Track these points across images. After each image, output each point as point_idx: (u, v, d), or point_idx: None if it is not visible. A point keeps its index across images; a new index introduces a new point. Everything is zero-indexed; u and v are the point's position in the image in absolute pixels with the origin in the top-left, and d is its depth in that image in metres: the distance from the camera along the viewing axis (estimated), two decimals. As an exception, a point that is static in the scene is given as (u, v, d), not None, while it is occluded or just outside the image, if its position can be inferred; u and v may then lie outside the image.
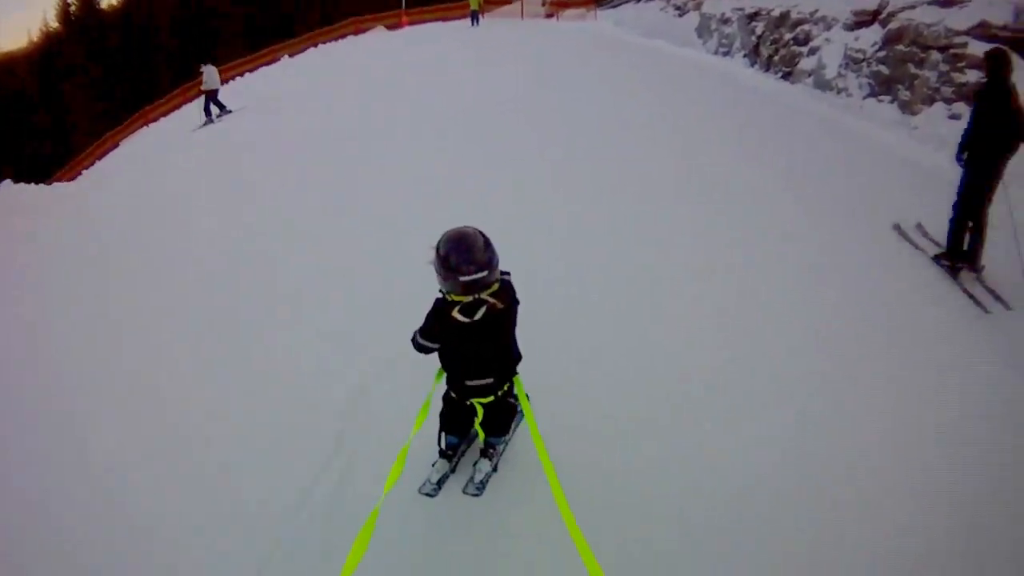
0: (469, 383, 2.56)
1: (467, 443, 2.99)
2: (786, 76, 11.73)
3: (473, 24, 20.56)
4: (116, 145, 19.95)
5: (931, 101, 8.28)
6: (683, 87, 11.14)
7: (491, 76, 11.83)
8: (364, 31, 23.88)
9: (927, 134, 7.92)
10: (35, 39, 37.64)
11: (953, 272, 4.69)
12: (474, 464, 2.86)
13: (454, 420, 2.79)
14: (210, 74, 13.60)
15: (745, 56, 13.27)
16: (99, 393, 4.03)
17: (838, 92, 10.12)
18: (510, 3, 24.58)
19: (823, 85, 10.52)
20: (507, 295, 2.40)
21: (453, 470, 2.90)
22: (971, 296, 4.44)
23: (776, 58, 12.13)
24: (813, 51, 11.04)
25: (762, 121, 8.83)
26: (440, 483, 2.82)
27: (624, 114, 8.93)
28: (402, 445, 2.29)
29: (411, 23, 23.72)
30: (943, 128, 7.71)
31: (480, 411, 2.64)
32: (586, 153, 7.28)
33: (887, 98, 9.10)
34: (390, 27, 23.80)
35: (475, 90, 10.86)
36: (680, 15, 16.45)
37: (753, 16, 13.05)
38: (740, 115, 9.17)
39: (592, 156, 7.16)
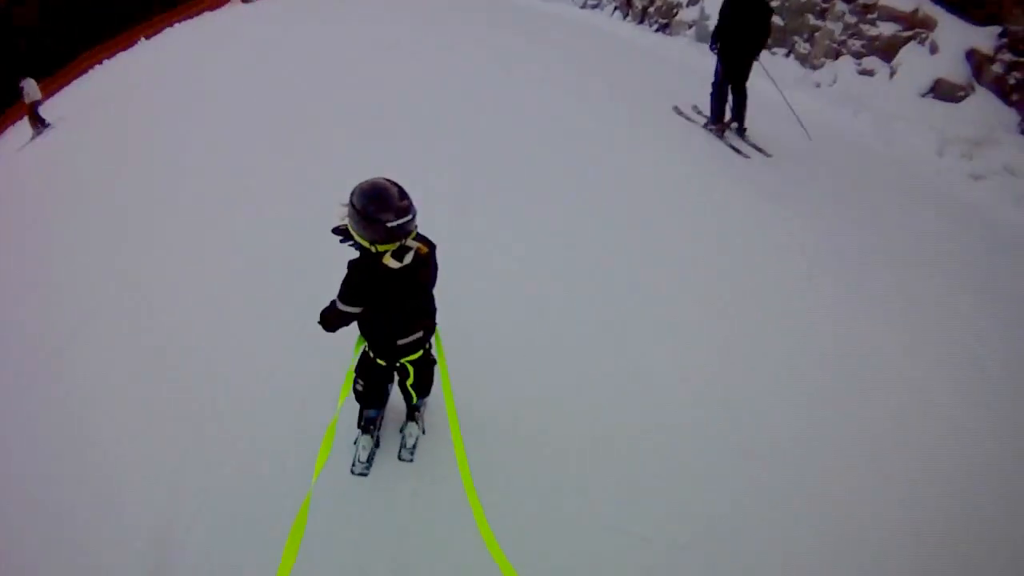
0: (400, 342, 2.52)
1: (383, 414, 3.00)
2: (663, 28, 10.44)
3: None
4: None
5: (836, 55, 7.28)
6: (550, 42, 9.77)
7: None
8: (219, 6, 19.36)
9: (836, 92, 6.86)
10: None
11: (719, 134, 6.02)
12: (401, 430, 2.92)
13: (374, 392, 2.79)
14: (30, 87, 12.93)
15: (616, 9, 11.84)
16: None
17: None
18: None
19: (705, 37, 9.31)
20: (426, 240, 2.40)
21: (377, 444, 2.89)
22: (735, 149, 5.82)
23: (651, 9, 10.81)
24: (694, 1, 9.84)
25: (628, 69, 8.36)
26: (370, 460, 2.82)
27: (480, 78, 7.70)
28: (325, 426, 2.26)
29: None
30: (854, 87, 6.68)
31: (412, 370, 2.65)
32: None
33: (782, 50, 8.03)
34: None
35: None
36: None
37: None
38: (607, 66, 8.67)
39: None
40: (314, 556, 2.26)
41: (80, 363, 3.59)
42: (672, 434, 2.95)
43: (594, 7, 12.65)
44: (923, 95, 6.28)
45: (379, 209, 2.15)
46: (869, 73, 6.91)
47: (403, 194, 2.18)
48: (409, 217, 2.18)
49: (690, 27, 9.87)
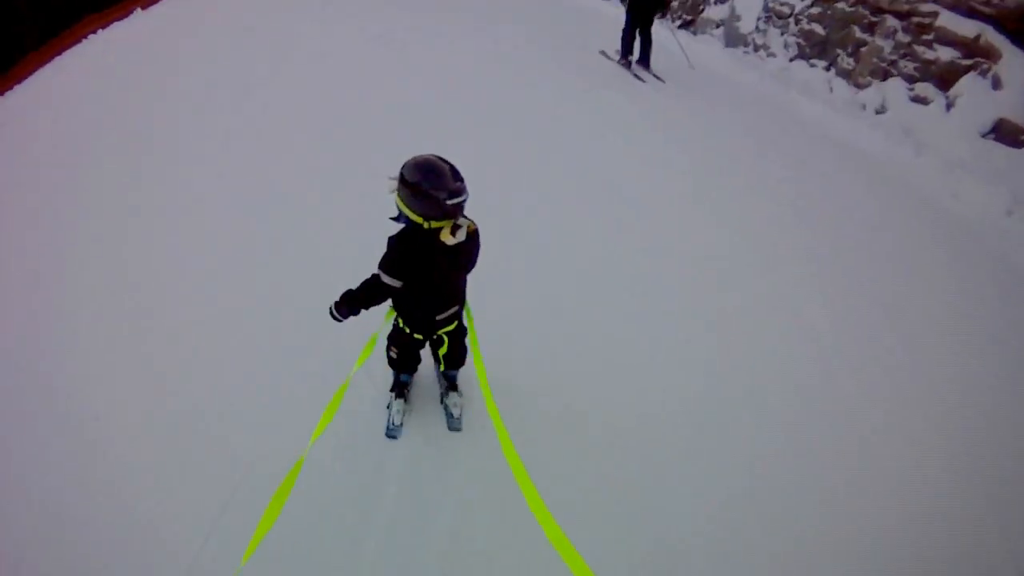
0: (439, 316, 2.55)
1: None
2: (687, 26, 9.68)
3: None
4: None
5: (884, 75, 6.66)
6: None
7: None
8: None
9: (888, 122, 6.24)
10: None
11: (627, 66, 7.60)
12: (442, 401, 2.96)
13: (408, 358, 2.82)
14: None
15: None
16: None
17: (756, 49, 8.25)
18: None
19: (736, 40, 8.62)
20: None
21: (409, 408, 2.96)
22: (637, 76, 7.48)
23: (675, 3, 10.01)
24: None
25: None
26: (402, 424, 2.86)
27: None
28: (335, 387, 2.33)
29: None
30: (906, 116, 6.09)
31: (446, 340, 2.70)
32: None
33: (821, 63, 7.38)
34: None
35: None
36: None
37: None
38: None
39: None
40: (376, 521, 2.44)
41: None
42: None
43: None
44: (984, 135, 5.72)
45: (434, 186, 2.18)
46: (922, 101, 6.31)
47: (456, 173, 2.22)
48: (464, 196, 2.22)
49: (718, 26, 9.13)
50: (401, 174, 2.23)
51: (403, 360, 2.81)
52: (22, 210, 4.10)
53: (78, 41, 8.06)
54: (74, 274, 3.55)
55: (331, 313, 2.47)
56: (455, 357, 2.82)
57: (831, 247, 4.51)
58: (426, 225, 2.23)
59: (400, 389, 2.92)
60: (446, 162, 2.24)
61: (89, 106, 5.47)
